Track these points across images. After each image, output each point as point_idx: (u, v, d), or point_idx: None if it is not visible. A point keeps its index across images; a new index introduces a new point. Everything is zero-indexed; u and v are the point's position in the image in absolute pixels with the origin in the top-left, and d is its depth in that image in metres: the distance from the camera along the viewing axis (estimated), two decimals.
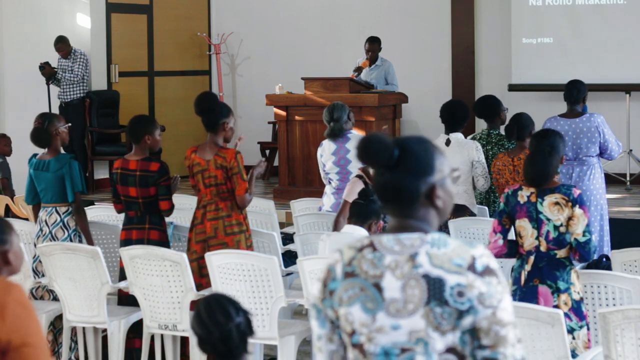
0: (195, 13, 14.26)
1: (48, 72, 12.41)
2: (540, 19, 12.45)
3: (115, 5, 13.24)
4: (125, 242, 6.64)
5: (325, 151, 7.94)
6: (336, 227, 6.73)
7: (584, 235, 5.26)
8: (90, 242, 6.85)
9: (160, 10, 13.77)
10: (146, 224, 6.67)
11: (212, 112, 6.57)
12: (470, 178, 7.73)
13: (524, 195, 5.36)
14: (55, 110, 12.55)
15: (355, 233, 5.97)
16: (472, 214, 7.55)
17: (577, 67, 12.01)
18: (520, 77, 12.57)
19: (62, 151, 7.04)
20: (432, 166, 2.66)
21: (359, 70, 11.40)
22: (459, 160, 7.60)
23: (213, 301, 3.15)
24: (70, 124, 7.31)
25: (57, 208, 6.89)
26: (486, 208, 7.87)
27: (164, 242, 6.66)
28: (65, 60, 12.49)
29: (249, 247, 6.57)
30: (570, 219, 5.27)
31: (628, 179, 11.79)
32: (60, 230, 6.87)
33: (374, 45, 11.58)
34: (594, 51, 12.22)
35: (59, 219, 6.88)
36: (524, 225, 5.35)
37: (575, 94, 7.99)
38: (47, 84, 12.53)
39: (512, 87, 12.55)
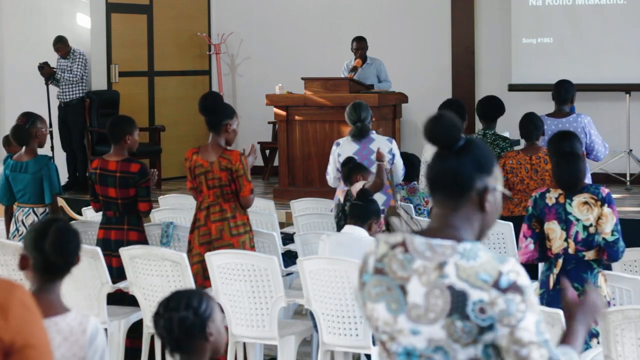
0: (195, 13, 14.26)
1: (47, 72, 12.41)
2: (540, 19, 12.44)
3: (115, 5, 13.24)
4: (103, 241, 6.66)
5: (346, 151, 7.79)
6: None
7: (612, 235, 5.24)
8: None
9: (160, 10, 13.77)
10: (125, 225, 6.67)
11: (215, 112, 6.54)
12: None
13: (552, 197, 5.33)
14: (55, 110, 12.56)
15: (355, 233, 5.96)
16: None
17: (577, 67, 12.01)
18: (520, 77, 12.56)
19: (39, 153, 7.05)
20: (491, 167, 2.63)
21: (354, 70, 11.39)
22: None
23: (178, 292, 3.20)
24: (51, 129, 7.36)
25: (35, 209, 6.92)
26: None
27: (143, 244, 6.64)
28: (65, 60, 12.48)
29: (252, 248, 6.57)
30: (599, 218, 5.25)
31: (628, 179, 11.79)
32: None
33: (362, 43, 11.56)
34: (594, 51, 12.22)
35: (36, 220, 6.91)
36: (552, 227, 5.32)
37: (563, 93, 7.99)
38: (46, 84, 12.53)
39: (512, 87, 12.55)
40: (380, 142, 7.73)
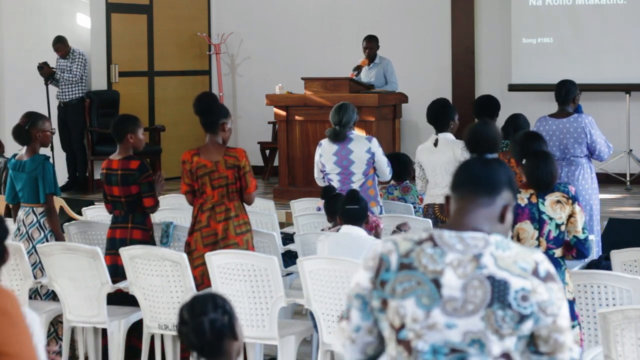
0: (195, 13, 14.25)
1: (47, 72, 12.41)
2: (540, 19, 12.45)
3: (115, 5, 13.24)
4: (110, 240, 6.68)
5: (326, 151, 7.81)
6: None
7: (583, 232, 5.35)
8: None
9: (160, 10, 13.76)
10: (129, 224, 6.67)
11: (212, 113, 6.54)
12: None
13: (523, 197, 5.37)
14: (54, 110, 12.55)
15: (353, 233, 5.97)
16: None
17: (577, 67, 12.01)
18: (520, 77, 12.57)
19: (39, 152, 7.05)
20: (516, 189, 2.76)
21: (358, 69, 11.40)
22: (445, 160, 7.56)
23: (199, 295, 3.16)
24: (55, 130, 7.33)
25: (34, 209, 6.91)
26: None
27: (147, 242, 6.63)
28: (64, 60, 12.48)
29: (253, 247, 6.59)
30: (571, 216, 5.34)
31: (628, 179, 11.79)
32: (36, 231, 6.88)
33: (371, 43, 11.58)
34: (594, 51, 12.22)
35: (35, 220, 6.90)
36: (524, 227, 5.37)
37: (564, 94, 7.98)
38: (46, 84, 12.53)
39: (512, 87, 12.55)
40: (359, 142, 7.72)
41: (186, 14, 14.11)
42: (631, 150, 11.92)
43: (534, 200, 5.36)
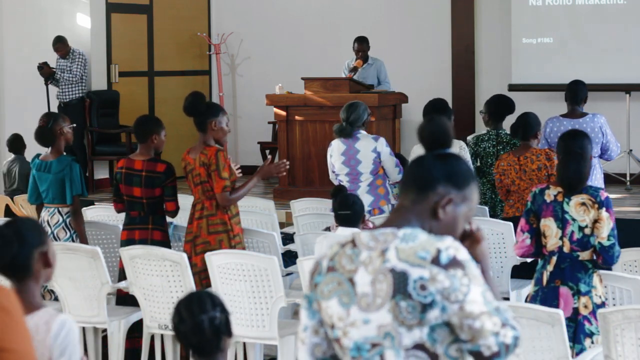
0: (195, 13, 14.26)
1: (47, 72, 12.41)
2: (540, 19, 12.44)
3: (115, 5, 13.24)
4: (127, 242, 6.65)
5: (335, 151, 7.81)
6: None
7: (608, 240, 5.20)
8: (85, 244, 6.86)
9: (160, 10, 13.77)
10: (149, 225, 6.68)
11: (197, 113, 6.57)
12: None
13: (550, 194, 5.32)
14: (54, 110, 12.54)
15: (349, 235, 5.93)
16: None
17: (577, 67, 12.00)
18: (520, 77, 12.57)
19: (64, 152, 7.04)
20: (463, 184, 2.73)
21: (354, 70, 11.39)
22: None
23: (195, 294, 3.18)
24: (75, 125, 7.33)
25: (59, 209, 6.91)
26: (486, 208, 7.86)
27: (166, 243, 6.68)
28: (64, 60, 12.48)
29: (234, 248, 6.50)
30: (596, 221, 5.22)
31: (628, 179, 11.79)
32: (62, 231, 6.89)
33: (363, 44, 11.57)
34: (594, 51, 12.22)
35: (61, 220, 6.90)
36: (548, 224, 5.31)
37: (579, 94, 7.99)
38: (46, 84, 12.53)
39: (512, 87, 12.55)
40: (365, 141, 7.73)
41: (186, 14, 14.11)
42: (631, 150, 11.92)
43: (559, 198, 5.28)
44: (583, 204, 5.25)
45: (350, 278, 2.65)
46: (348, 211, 6.07)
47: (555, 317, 4.59)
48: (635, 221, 9.45)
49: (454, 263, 2.57)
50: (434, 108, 7.84)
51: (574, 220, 5.26)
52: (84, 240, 6.90)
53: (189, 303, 3.13)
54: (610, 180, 11.77)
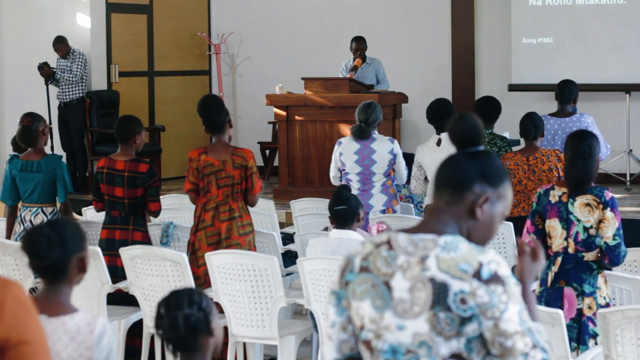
0: (195, 13, 14.25)
1: (47, 72, 12.40)
2: (540, 19, 12.44)
3: (115, 5, 13.24)
4: (107, 241, 6.66)
5: (347, 150, 7.77)
6: None
7: (614, 239, 5.20)
8: None
9: (160, 10, 13.76)
10: (130, 225, 6.68)
11: (220, 112, 6.57)
12: None
13: (555, 194, 5.31)
14: (54, 110, 12.56)
15: (344, 237, 5.86)
16: None
17: (577, 67, 12.01)
18: (520, 77, 12.56)
19: (48, 152, 7.06)
20: (498, 181, 2.68)
21: (354, 69, 11.40)
22: None
23: (176, 290, 3.20)
24: (51, 126, 7.38)
25: (44, 208, 6.92)
26: None
27: (147, 244, 6.64)
28: (64, 60, 12.48)
29: (254, 248, 6.60)
30: (601, 221, 5.21)
31: (628, 179, 11.79)
32: None
33: (361, 44, 11.57)
34: (594, 51, 12.22)
35: (45, 220, 6.89)
36: (554, 225, 5.31)
37: (567, 93, 7.98)
38: (46, 84, 12.53)
39: (512, 87, 12.55)
40: (382, 142, 7.73)
41: (186, 14, 14.11)
42: (631, 150, 11.92)
43: (564, 199, 5.28)
44: (588, 204, 5.24)
45: (386, 281, 2.61)
46: (343, 206, 5.90)
47: (555, 317, 4.59)
48: (635, 221, 9.45)
49: (495, 279, 2.54)
50: (439, 108, 7.81)
51: (578, 221, 5.25)
52: None
53: (168, 299, 3.16)
54: (610, 180, 11.77)
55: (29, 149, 7.02)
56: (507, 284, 2.55)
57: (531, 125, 7.47)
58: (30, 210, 6.94)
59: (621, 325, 4.45)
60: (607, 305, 5.24)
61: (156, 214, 6.73)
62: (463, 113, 2.78)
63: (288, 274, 6.88)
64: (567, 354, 4.60)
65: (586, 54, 12.25)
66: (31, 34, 13.12)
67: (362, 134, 7.69)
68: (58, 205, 7.05)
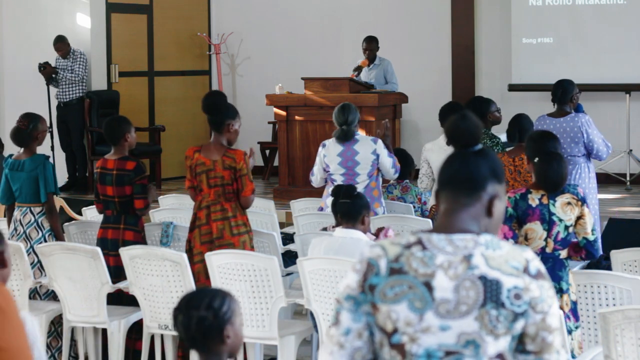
0: (195, 13, 14.25)
1: (49, 72, 12.40)
2: (540, 19, 12.44)
3: (115, 5, 13.24)
4: (101, 240, 6.68)
5: (330, 152, 7.80)
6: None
7: (592, 234, 5.37)
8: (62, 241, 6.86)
9: (160, 10, 13.76)
10: (121, 224, 6.68)
11: (218, 112, 6.55)
12: None
13: (535, 198, 5.36)
14: (54, 110, 12.55)
15: (347, 236, 5.85)
16: None
17: (577, 67, 12.01)
18: (520, 77, 12.57)
19: (37, 152, 7.04)
20: (502, 176, 2.71)
21: (358, 69, 11.41)
22: None
23: (203, 289, 3.20)
24: (51, 129, 7.35)
25: (32, 208, 6.90)
26: None
27: (138, 244, 6.62)
28: (64, 60, 12.49)
29: (252, 248, 6.57)
30: (580, 217, 5.34)
31: (628, 179, 11.79)
32: (34, 231, 6.88)
33: (371, 44, 11.59)
34: (594, 51, 12.22)
35: (33, 219, 6.89)
36: (534, 227, 5.36)
37: (560, 93, 7.97)
38: (47, 84, 12.53)
39: (512, 87, 12.55)
40: (364, 143, 7.73)
41: (186, 14, 14.11)
42: (631, 150, 11.92)
43: (545, 201, 5.34)
44: (569, 203, 5.35)
45: (426, 282, 2.57)
46: (347, 200, 5.87)
47: None
48: (635, 221, 9.45)
49: (540, 274, 2.58)
50: (453, 111, 7.88)
51: (561, 220, 5.34)
52: (60, 238, 6.89)
53: (190, 296, 3.15)
54: (610, 180, 11.78)
55: (21, 148, 7.02)
56: (549, 280, 2.61)
57: (517, 128, 7.54)
58: (20, 210, 6.94)
59: (621, 325, 4.45)
60: (576, 301, 5.37)
61: (142, 211, 6.70)
62: (464, 112, 2.77)
63: (288, 274, 6.87)
64: (567, 354, 4.61)
65: (586, 54, 12.26)
66: (31, 34, 13.12)
67: (345, 136, 7.72)
68: None
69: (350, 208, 5.87)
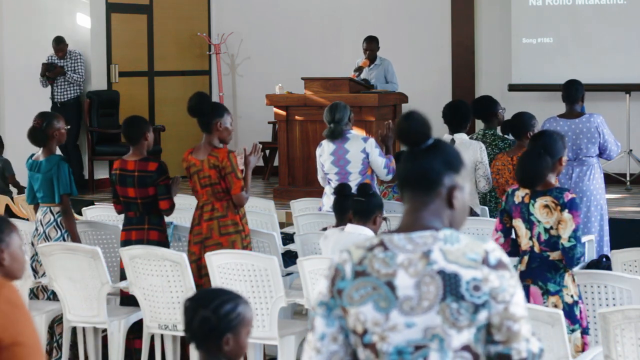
0: (195, 13, 14.26)
1: (58, 73, 12.46)
2: (540, 19, 12.45)
3: (115, 5, 13.24)
4: (125, 243, 6.64)
5: (325, 151, 7.85)
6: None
7: (569, 241, 5.21)
8: (78, 243, 6.85)
9: (160, 10, 13.77)
10: (145, 225, 6.67)
11: (202, 113, 6.55)
12: (474, 179, 7.73)
13: (519, 195, 5.37)
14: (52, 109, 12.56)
15: (356, 233, 5.88)
16: (475, 214, 7.56)
17: (577, 67, 12.01)
18: (520, 77, 12.57)
19: (56, 152, 7.03)
20: (459, 166, 2.71)
21: (359, 70, 11.41)
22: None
23: (217, 290, 3.19)
24: (69, 126, 7.32)
25: (51, 208, 6.90)
26: (486, 208, 7.88)
27: (163, 243, 6.66)
28: (62, 60, 12.50)
29: (246, 248, 6.52)
30: (559, 222, 5.24)
31: (628, 179, 11.79)
32: (53, 230, 6.87)
33: (372, 44, 11.59)
34: (594, 51, 12.23)
35: (52, 219, 6.89)
36: (518, 225, 5.38)
37: (574, 93, 7.97)
38: (51, 84, 12.55)
39: (512, 87, 12.55)
40: (355, 142, 7.74)
41: (186, 14, 14.12)
42: (631, 150, 11.92)
43: (526, 200, 5.33)
44: (546, 206, 5.27)
45: (388, 282, 2.60)
46: (362, 198, 5.86)
47: (555, 317, 4.60)
48: (635, 221, 9.46)
49: (501, 264, 2.59)
50: (458, 111, 7.95)
51: (539, 222, 5.30)
52: (75, 239, 6.88)
53: (201, 294, 3.16)
54: (610, 180, 11.77)
55: (40, 149, 7.01)
56: (511, 270, 2.60)
57: (509, 125, 7.57)
58: (41, 210, 6.95)
59: (621, 325, 4.45)
60: (576, 303, 5.28)
61: (167, 211, 6.71)
62: (409, 111, 2.77)
63: (288, 274, 6.87)
64: (567, 354, 4.60)
65: (586, 54, 12.26)
66: (31, 34, 13.12)
67: (333, 134, 7.74)
68: None
69: (363, 205, 5.86)
